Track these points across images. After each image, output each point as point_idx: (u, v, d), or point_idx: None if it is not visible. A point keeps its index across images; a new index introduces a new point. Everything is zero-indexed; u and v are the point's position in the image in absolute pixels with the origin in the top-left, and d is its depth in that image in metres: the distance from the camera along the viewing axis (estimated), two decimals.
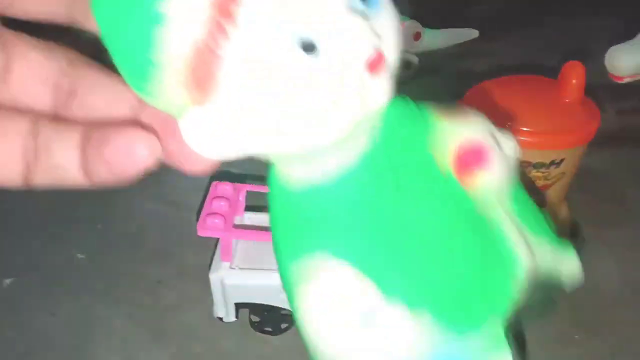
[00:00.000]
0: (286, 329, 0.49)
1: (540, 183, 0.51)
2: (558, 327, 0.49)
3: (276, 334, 0.48)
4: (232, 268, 0.46)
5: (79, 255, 0.58)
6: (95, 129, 0.18)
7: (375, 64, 0.19)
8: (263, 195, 0.49)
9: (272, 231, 0.24)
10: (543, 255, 0.28)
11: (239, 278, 0.45)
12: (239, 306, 0.48)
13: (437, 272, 0.24)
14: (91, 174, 0.18)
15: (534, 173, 0.50)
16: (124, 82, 0.18)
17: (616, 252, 0.57)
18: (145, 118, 0.19)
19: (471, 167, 0.25)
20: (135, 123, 0.19)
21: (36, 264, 0.57)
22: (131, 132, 0.17)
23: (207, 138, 0.18)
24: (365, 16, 0.19)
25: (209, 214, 0.44)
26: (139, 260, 0.57)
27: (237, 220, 0.48)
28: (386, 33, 0.19)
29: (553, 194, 0.52)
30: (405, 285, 0.23)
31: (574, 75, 0.49)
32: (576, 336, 0.49)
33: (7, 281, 0.55)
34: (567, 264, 0.31)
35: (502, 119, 0.48)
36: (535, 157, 0.49)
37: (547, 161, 0.49)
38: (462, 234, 0.25)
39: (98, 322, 0.51)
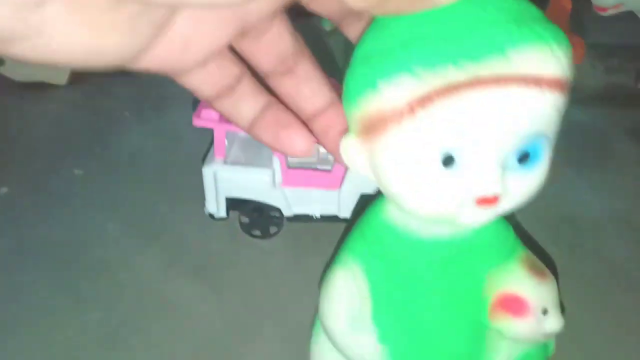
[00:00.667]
0: (275, 234, 0.50)
1: None
2: (537, 249, 0.50)
3: (265, 238, 0.50)
4: (225, 163, 0.47)
5: (76, 171, 0.60)
6: (282, 108, 0.24)
7: (483, 202, 0.24)
8: None
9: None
10: None
11: (231, 172, 0.47)
12: (230, 204, 0.49)
13: (422, 346, 0.30)
14: (256, 132, 0.25)
15: None
16: (326, 80, 0.24)
17: (597, 188, 0.59)
18: (327, 115, 0.25)
19: (504, 310, 0.29)
20: (313, 120, 0.25)
21: (32, 176, 0.58)
22: (301, 131, 0.24)
23: (349, 159, 0.25)
24: (510, 172, 0.24)
25: (204, 107, 0.46)
26: (135, 177, 0.58)
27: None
28: (516, 191, 0.25)
29: None
30: (394, 337, 0.30)
31: (560, 7, 0.51)
32: (555, 258, 0.50)
33: (4, 189, 0.56)
34: None
35: None
36: None
37: None
38: (460, 339, 0.30)
39: (92, 228, 0.52)
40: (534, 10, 0.24)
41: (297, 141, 0.24)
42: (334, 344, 0.32)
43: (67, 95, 0.77)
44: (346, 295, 0.30)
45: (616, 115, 0.71)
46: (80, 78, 0.79)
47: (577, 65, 0.56)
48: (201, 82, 0.23)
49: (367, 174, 0.26)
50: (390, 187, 0.25)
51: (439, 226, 0.27)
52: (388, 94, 0.22)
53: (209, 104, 0.24)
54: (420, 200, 0.24)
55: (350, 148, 0.25)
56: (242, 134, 0.51)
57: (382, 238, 0.29)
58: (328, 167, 0.47)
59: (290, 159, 0.47)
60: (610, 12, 0.52)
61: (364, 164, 0.25)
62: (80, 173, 0.59)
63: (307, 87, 0.24)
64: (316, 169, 0.47)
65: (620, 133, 0.68)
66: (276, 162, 0.47)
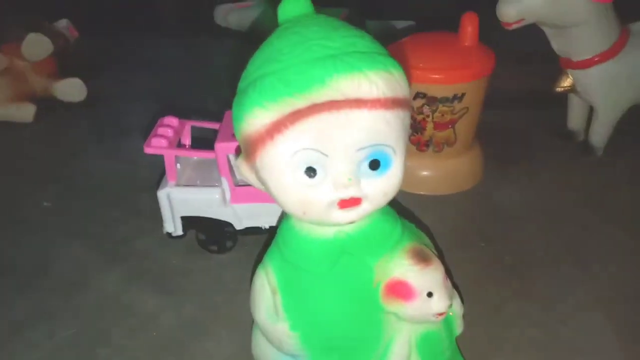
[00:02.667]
0: (231, 248, 0.55)
1: (447, 117, 0.59)
2: (465, 238, 0.56)
3: (222, 252, 0.55)
4: (177, 185, 0.52)
5: (45, 203, 0.64)
6: None
7: (344, 204, 0.31)
8: (205, 130, 0.57)
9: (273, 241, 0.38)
10: None
11: (183, 193, 0.52)
12: (186, 223, 0.54)
13: (326, 331, 0.36)
14: None
15: (441, 108, 0.58)
16: None
17: (518, 182, 0.65)
18: None
19: (394, 295, 0.35)
20: None
21: (3, 208, 0.63)
22: None
23: (244, 176, 0.32)
24: (366, 177, 0.30)
25: (154, 136, 0.51)
26: (98, 204, 0.63)
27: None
28: (374, 192, 0.31)
29: (461, 127, 0.60)
30: (303, 325, 0.35)
31: (469, 23, 0.58)
32: (482, 244, 0.56)
33: None
34: None
35: (414, 64, 0.56)
36: (441, 92, 0.57)
37: (450, 95, 0.57)
38: (358, 323, 0.36)
39: (56, 251, 0.57)
40: (367, 43, 0.30)
41: None
42: (261, 332, 0.38)
43: (34, 130, 0.81)
44: (263, 292, 0.36)
45: (536, 116, 0.78)
46: (46, 114, 0.83)
47: (499, 73, 0.63)
48: None
49: (260, 187, 0.32)
50: (274, 197, 0.31)
51: (324, 227, 0.33)
52: (251, 124, 0.29)
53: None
54: (296, 206, 0.31)
55: (242, 167, 0.32)
56: (194, 157, 0.57)
57: (287, 241, 0.35)
58: None
59: (236, 179, 0.52)
60: (514, 26, 0.58)
61: (255, 179, 0.32)
62: (49, 205, 0.64)
63: None
64: None
65: (539, 132, 0.75)
66: (225, 182, 0.52)
